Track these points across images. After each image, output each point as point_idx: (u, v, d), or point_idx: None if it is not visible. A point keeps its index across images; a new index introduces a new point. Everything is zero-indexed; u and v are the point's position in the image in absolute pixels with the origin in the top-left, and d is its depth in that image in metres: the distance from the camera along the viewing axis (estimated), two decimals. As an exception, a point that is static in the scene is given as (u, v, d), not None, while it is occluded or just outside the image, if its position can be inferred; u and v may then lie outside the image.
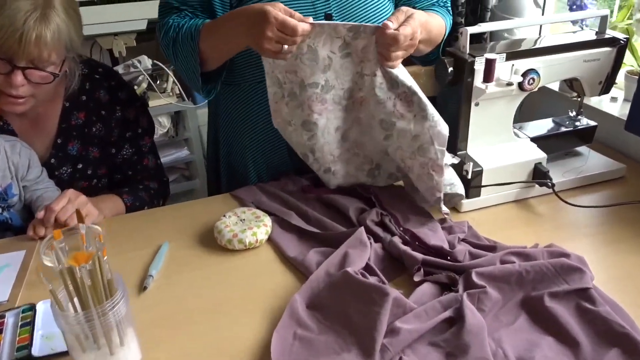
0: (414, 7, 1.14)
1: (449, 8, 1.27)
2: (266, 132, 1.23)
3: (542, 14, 1.74)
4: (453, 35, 1.97)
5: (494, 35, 1.86)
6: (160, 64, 2.24)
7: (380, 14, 1.16)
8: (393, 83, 1.00)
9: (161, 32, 1.13)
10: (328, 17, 1.10)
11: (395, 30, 0.94)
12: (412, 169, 1.07)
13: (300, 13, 1.00)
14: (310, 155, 1.12)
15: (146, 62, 2.24)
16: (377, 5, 1.16)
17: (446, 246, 0.96)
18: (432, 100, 1.03)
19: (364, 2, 1.14)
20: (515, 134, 1.22)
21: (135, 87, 2.22)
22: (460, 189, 1.10)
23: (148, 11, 2.18)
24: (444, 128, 1.02)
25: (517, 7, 1.75)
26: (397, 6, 1.22)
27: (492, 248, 0.97)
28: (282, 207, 1.14)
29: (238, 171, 1.31)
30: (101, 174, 1.31)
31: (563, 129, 1.28)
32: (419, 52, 1.13)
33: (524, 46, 1.14)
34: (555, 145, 1.26)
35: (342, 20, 1.12)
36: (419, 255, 0.93)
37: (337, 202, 1.13)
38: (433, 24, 1.11)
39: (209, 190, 1.46)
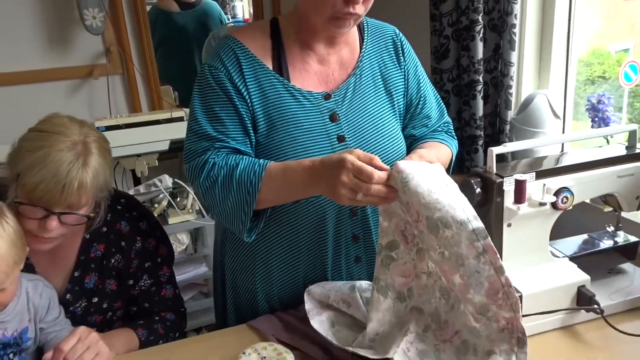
0: (416, 136, 1.23)
1: (453, 133, 1.28)
2: (281, 259, 1.16)
3: (563, 125, 1.73)
4: (473, 147, 1.97)
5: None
6: (181, 182, 2.26)
7: (391, 139, 1.16)
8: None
9: (201, 172, 1.04)
10: (341, 139, 1.10)
11: None
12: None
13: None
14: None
15: (167, 181, 2.26)
16: (387, 128, 1.16)
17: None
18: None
19: (375, 125, 1.15)
20: (553, 253, 1.15)
21: (156, 205, 2.23)
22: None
23: (170, 132, 2.22)
24: None
25: (537, 119, 1.74)
26: (407, 136, 1.23)
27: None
28: (305, 341, 1.06)
29: (244, 298, 1.23)
30: (116, 307, 1.26)
31: (602, 246, 1.21)
32: None
33: (550, 163, 1.10)
34: (597, 263, 1.18)
35: (356, 144, 1.11)
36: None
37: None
38: (434, 156, 1.06)
39: (215, 315, 1.38)
